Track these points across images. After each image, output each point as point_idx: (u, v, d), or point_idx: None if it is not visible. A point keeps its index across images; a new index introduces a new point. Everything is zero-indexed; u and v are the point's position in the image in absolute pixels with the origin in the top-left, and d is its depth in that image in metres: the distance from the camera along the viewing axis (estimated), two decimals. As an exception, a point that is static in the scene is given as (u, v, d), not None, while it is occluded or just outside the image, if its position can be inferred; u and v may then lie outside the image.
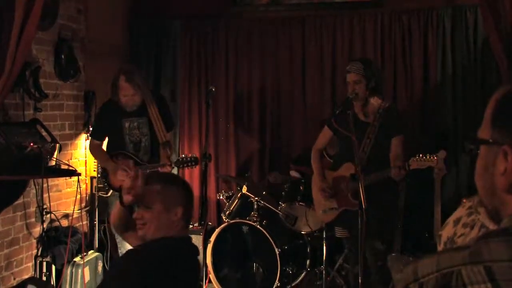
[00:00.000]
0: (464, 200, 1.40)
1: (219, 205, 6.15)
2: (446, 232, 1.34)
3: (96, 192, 5.45)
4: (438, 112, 5.62)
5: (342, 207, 4.20)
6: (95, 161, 5.38)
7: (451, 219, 1.35)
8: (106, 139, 4.86)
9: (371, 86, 4.04)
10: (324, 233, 4.94)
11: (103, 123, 4.70)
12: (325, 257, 4.96)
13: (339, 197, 4.24)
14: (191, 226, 5.76)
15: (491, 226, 1.15)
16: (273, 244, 4.85)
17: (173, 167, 4.57)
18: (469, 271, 0.93)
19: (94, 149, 4.77)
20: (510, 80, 3.75)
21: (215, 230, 5.20)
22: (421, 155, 3.76)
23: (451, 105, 5.54)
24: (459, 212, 1.34)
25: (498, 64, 4.09)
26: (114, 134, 4.64)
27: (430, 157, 3.74)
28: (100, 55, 5.75)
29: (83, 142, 5.59)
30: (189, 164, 4.54)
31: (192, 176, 6.25)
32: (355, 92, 4.03)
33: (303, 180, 5.20)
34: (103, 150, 4.73)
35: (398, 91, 5.72)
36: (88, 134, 5.53)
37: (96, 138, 4.75)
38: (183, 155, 4.54)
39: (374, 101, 4.12)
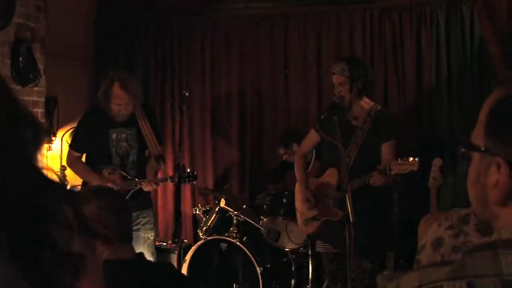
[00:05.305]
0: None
1: (195, 221, 6.14)
2: (425, 257, 1.35)
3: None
4: (433, 116, 5.68)
5: (323, 217, 4.21)
6: (58, 172, 5.34)
7: (427, 241, 1.36)
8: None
9: (357, 88, 4.06)
10: (310, 249, 4.94)
11: (86, 133, 4.61)
12: (312, 276, 4.98)
13: (321, 205, 4.25)
14: (164, 243, 5.76)
15: None
16: (255, 262, 4.86)
17: (173, 182, 4.51)
18: (451, 287, 0.95)
19: (74, 162, 4.66)
20: (507, 81, 3.80)
21: (191, 247, 5.19)
22: (404, 159, 3.79)
23: (446, 108, 5.59)
24: (435, 231, 1.36)
25: (494, 64, 4.15)
26: (98, 145, 4.55)
27: (411, 160, 3.77)
28: (63, 57, 5.73)
29: (44, 152, 5.54)
30: (187, 179, 4.51)
31: (165, 189, 6.24)
32: (340, 95, 4.06)
33: (286, 192, 5.21)
34: (83, 162, 4.66)
35: (389, 93, 5.78)
36: (54, 144, 5.52)
37: (76, 149, 4.65)
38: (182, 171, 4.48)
39: (365, 103, 4.13)
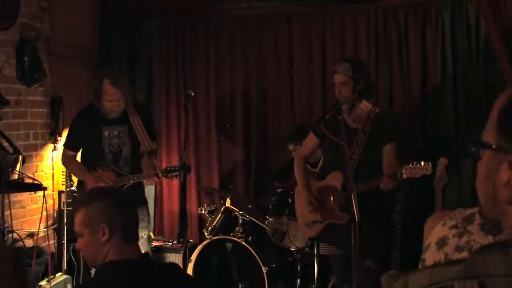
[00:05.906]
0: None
1: (201, 220, 6.17)
2: (430, 256, 1.35)
3: (64, 208, 5.44)
4: (438, 116, 5.68)
5: (327, 221, 4.22)
6: (63, 172, 5.38)
7: (432, 240, 1.36)
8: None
9: (359, 89, 4.08)
10: (316, 249, 4.95)
11: (79, 131, 4.69)
12: (317, 275, 4.98)
13: (324, 209, 4.26)
14: (169, 243, 5.78)
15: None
16: (260, 262, 4.88)
17: (160, 177, 4.57)
18: (462, 286, 0.95)
19: (68, 161, 4.75)
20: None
21: (196, 247, 5.21)
22: (414, 163, 3.79)
23: (452, 108, 5.60)
24: (440, 231, 1.35)
25: (498, 62, 4.15)
26: (91, 143, 4.64)
27: (425, 164, 3.77)
28: (67, 57, 5.76)
29: (49, 153, 5.59)
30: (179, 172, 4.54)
31: (171, 188, 6.27)
32: (341, 95, 4.06)
33: (291, 192, 5.22)
34: (78, 161, 4.74)
35: (394, 94, 5.79)
36: (60, 144, 5.54)
37: (70, 148, 4.73)
38: (173, 165, 4.54)
39: (363, 106, 4.15)
